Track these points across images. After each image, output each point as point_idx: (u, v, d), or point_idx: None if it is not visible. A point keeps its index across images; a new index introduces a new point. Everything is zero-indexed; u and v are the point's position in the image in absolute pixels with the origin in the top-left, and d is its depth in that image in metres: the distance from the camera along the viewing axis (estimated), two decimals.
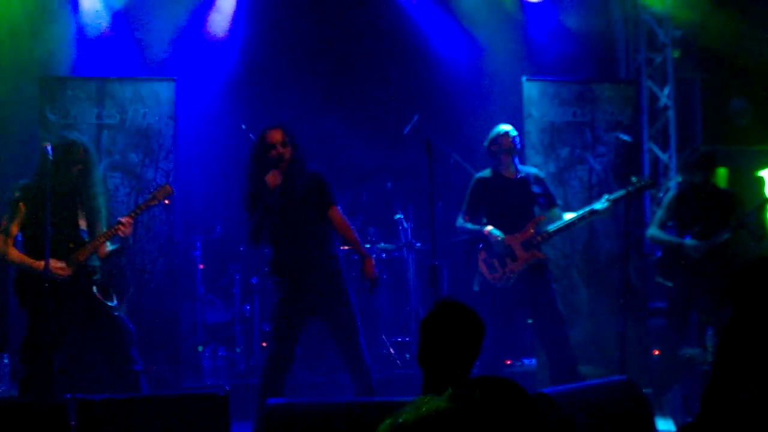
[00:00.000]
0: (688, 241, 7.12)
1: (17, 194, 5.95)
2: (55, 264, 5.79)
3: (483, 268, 6.92)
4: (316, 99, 8.67)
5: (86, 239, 6.01)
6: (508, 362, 8.27)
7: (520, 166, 7.10)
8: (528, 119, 8.22)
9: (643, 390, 4.14)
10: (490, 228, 6.90)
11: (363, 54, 9.29)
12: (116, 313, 6.02)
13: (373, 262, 6.11)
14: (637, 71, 9.50)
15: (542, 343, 7.07)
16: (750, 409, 2.06)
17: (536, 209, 7.04)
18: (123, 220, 5.98)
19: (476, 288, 6.97)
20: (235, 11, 8.80)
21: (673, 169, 9.23)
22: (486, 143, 7.06)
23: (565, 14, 9.25)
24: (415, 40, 9.37)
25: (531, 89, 8.34)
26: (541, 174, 7.22)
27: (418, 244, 8.53)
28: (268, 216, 6.00)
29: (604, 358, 7.90)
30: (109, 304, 5.98)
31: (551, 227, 6.94)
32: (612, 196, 6.85)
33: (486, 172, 7.11)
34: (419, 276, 8.48)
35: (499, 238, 6.84)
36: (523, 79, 8.39)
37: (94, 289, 5.96)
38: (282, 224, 6.06)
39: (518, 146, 7.07)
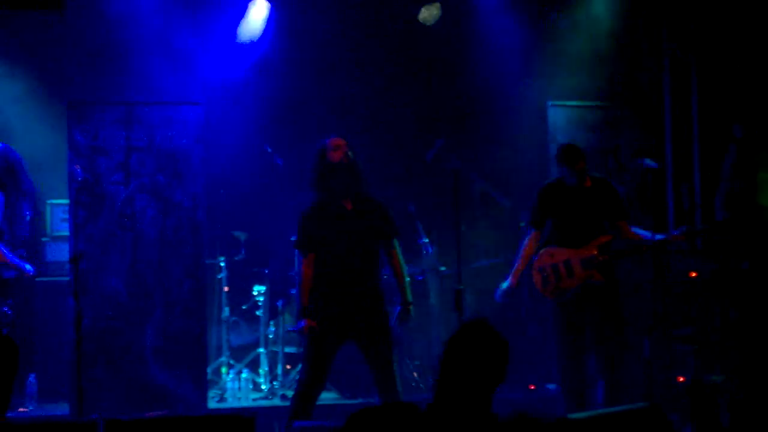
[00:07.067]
0: None
1: None
2: None
3: (536, 278, 6.67)
4: (340, 122, 8.71)
5: None
6: (532, 387, 8.26)
7: (591, 173, 6.73)
8: (553, 144, 8.23)
9: (669, 417, 4.13)
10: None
11: (388, 78, 9.34)
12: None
13: (411, 311, 6.14)
14: (661, 97, 9.46)
15: (600, 365, 6.79)
16: None
17: (606, 224, 6.69)
18: None
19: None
20: (261, 36, 8.86)
21: (698, 195, 9.17)
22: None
23: (590, 40, 9.23)
24: (441, 65, 9.41)
25: (556, 114, 8.36)
26: (614, 184, 6.86)
27: (443, 268, 8.54)
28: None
29: (630, 384, 7.86)
30: None
31: (617, 248, 6.64)
32: (690, 229, 6.81)
33: (552, 180, 6.88)
34: (443, 300, 8.46)
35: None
36: (549, 104, 8.41)
37: None
38: (337, 240, 6.01)
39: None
